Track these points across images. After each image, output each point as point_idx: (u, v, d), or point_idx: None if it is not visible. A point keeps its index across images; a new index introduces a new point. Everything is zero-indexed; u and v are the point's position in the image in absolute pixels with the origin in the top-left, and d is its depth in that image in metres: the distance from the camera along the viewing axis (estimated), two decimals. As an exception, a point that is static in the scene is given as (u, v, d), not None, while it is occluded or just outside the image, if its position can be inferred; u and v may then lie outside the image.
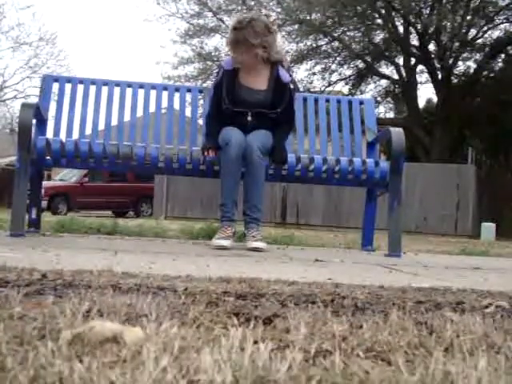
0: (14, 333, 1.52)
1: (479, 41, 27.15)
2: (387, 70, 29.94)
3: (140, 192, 29.17)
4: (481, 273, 4.47)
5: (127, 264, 3.52)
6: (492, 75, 28.36)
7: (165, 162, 5.93)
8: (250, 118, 5.92)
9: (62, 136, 6.33)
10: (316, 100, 7.05)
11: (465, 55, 27.72)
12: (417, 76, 28.44)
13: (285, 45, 28.85)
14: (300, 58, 28.84)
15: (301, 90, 27.80)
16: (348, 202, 20.80)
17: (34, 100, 29.05)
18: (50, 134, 6.35)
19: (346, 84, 30.31)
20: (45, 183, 17.34)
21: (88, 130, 6.54)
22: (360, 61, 29.00)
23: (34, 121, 5.95)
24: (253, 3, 27.73)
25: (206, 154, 5.88)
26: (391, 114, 33.53)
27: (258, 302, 2.32)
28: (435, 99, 28.95)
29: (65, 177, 29.74)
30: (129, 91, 6.77)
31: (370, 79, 30.84)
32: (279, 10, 27.33)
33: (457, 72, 28.44)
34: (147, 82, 6.92)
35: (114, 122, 6.62)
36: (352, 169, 6.03)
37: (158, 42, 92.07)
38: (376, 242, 6.87)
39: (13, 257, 3.60)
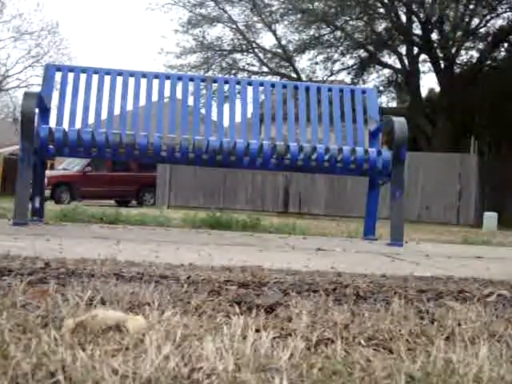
0: (17, 321, 1.53)
1: (482, 30, 27.10)
2: (390, 59, 29.89)
3: (143, 181, 29.14)
4: (482, 262, 4.48)
5: (130, 253, 3.53)
6: (495, 64, 28.30)
7: (167, 151, 5.94)
8: None
9: (65, 125, 6.33)
10: (319, 89, 7.04)
11: (467, 44, 27.67)
12: (419, 65, 28.38)
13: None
14: (302, 48, 28.81)
15: (303, 79, 27.84)
16: (350, 191, 20.79)
17: (37, 89, 29.01)
18: (52, 123, 6.36)
19: (349, 73, 30.26)
20: (48, 172, 17.33)
21: (91, 119, 6.54)
22: (362, 50, 28.96)
23: (36, 110, 5.96)
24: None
25: None
26: (394, 104, 33.48)
27: (260, 290, 2.33)
28: (438, 88, 28.94)
29: (68, 166, 29.72)
30: (131, 80, 6.77)
31: (372, 69, 30.78)
32: (282, -1, 27.34)
33: (459, 61, 28.39)
34: (150, 72, 6.92)
35: (117, 111, 6.62)
36: (354, 158, 6.03)
37: (160, 31, 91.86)
38: (378, 231, 6.87)
39: (16, 245, 3.61)
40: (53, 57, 42.90)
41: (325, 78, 29.04)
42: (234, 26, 29.94)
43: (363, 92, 7.10)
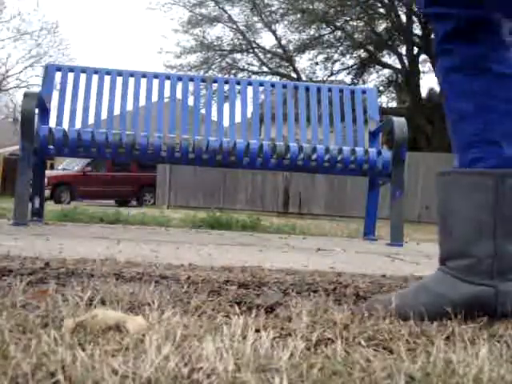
0: (17, 321, 1.53)
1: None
2: (390, 59, 29.88)
3: (143, 181, 29.14)
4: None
5: (130, 253, 3.53)
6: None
7: (167, 151, 5.94)
8: None
9: (65, 125, 6.33)
10: (319, 89, 7.05)
11: (468, 44, 27.64)
12: (419, 65, 28.38)
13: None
14: (302, 48, 28.80)
15: (303, 79, 27.85)
16: (350, 192, 20.79)
17: (37, 89, 29.01)
18: (52, 123, 6.36)
19: (349, 74, 30.24)
20: (48, 172, 17.32)
21: (91, 120, 6.54)
22: (362, 50, 28.95)
23: (36, 110, 5.96)
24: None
25: None
26: (394, 104, 33.45)
27: (260, 290, 2.33)
28: (438, 88, 28.93)
29: (68, 166, 29.72)
30: (131, 80, 6.77)
31: (372, 69, 30.77)
32: (282, -1, 27.34)
33: (460, 61, 28.35)
34: (150, 72, 6.92)
35: (117, 111, 6.62)
36: (354, 158, 6.03)
37: (160, 30, 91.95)
38: (378, 232, 6.87)
39: (16, 245, 3.61)
40: (53, 57, 42.92)
41: (325, 78, 29.03)
42: (234, 26, 29.95)
43: (363, 92, 7.11)
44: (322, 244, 5.47)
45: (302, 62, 65.28)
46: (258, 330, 1.55)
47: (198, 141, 5.95)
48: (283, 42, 29.70)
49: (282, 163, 6.08)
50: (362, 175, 6.56)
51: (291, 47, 29.65)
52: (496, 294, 1.90)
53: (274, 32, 29.39)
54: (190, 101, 7.30)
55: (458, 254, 2.01)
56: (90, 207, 12.66)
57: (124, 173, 29.13)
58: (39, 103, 6.00)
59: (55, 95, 6.65)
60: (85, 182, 28.16)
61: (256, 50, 30.15)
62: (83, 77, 6.72)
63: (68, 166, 29.69)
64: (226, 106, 7.27)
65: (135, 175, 29.33)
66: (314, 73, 29.68)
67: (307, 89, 7.01)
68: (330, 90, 7.11)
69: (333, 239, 6.78)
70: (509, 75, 2.05)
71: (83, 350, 1.27)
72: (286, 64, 30.25)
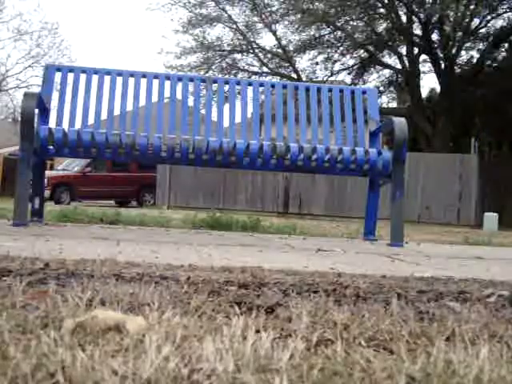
0: (17, 321, 1.52)
1: (482, 30, 27.08)
2: (390, 59, 29.87)
3: (142, 181, 29.12)
4: (483, 262, 4.47)
5: (130, 253, 3.53)
6: (495, 65, 28.26)
7: (167, 151, 5.94)
8: None
9: (65, 125, 6.33)
10: (319, 89, 7.05)
11: (468, 45, 27.66)
12: (420, 66, 28.35)
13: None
14: (303, 48, 28.80)
15: (303, 79, 27.84)
16: (350, 192, 20.79)
17: (37, 89, 28.99)
18: (52, 123, 6.35)
19: (349, 74, 30.23)
20: (47, 173, 17.32)
21: (90, 120, 6.54)
22: (363, 50, 28.93)
23: (36, 110, 5.96)
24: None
25: None
26: (394, 104, 33.45)
27: (260, 291, 2.33)
28: (438, 89, 28.92)
29: (67, 166, 29.70)
30: (131, 81, 6.77)
31: (372, 69, 30.76)
32: (282, -1, 27.33)
33: (460, 61, 28.36)
34: (150, 72, 6.91)
35: (117, 111, 6.62)
36: (355, 158, 6.02)
37: (160, 31, 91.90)
38: (378, 232, 6.87)
39: (16, 246, 3.61)
40: (53, 57, 42.85)
41: (325, 79, 29.01)
42: (234, 26, 29.94)
43: (363, 92, 7.10)
44: (322, 244, 5.47)
45: (303, 62, 64.99)
46: (258, 331, 1.54)
47: (198, 141, 5.95)
48: (283, 42, 29.69)
49: (282, 163, 6.08)
50: (363, 175, 6.56)
51: (291, 47, 29.64)
52: None
53: (274, 32, 29.37)
54: (190, 101, 7.29)
55: None
56: (89, 208, 12.65)
57: (124, 173, 29.11)
58: (39, 103, 6.00)
59: (55, 95, 6.65)
60: (85, 183, 28.15)
61: (256, 50, 30.15)
62: (83, 77, 6.72)
63: (68, 166, 29.67)
64: (226, 107, 7.27)
65: (135, 175, 29.31)
66: (315, 73, 29.68)
67: (307, 89, 7.00)
68: (330, 90, 7.10)
69: (333, 240, 6.77)
70: None
71: (83, 350, 1.27)
72: (286, 64, 30.24)
